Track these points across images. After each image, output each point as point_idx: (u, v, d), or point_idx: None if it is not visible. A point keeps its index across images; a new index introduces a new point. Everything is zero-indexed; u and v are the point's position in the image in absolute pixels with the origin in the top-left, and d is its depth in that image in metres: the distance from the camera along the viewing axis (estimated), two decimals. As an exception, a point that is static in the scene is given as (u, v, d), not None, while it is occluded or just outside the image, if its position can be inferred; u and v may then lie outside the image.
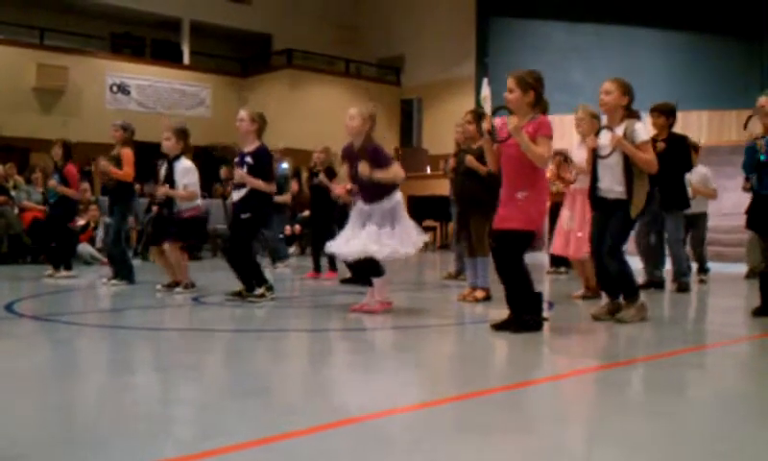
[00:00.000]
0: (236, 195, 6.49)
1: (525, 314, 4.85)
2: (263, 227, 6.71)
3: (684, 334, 5.43)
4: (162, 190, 7.25)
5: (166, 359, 4.32)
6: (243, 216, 6.42)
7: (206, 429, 2.77)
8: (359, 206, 5.81)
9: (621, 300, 5.44)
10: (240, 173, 6.37)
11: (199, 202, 7.38)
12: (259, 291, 6.38)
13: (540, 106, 4.90)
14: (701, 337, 5.44)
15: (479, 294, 6.52)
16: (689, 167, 7.85)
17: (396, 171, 5.66)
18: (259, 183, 6.35)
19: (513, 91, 4.85)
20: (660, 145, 7.26)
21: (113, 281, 7.87)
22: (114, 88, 19.38)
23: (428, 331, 5.25)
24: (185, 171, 7.15)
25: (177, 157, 7.18)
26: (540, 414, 3.06)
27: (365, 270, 5.86)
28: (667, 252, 7.90)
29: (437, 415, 2.98)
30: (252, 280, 6.45)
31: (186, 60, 21.38)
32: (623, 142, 5.17)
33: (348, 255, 5.84)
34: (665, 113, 7.50)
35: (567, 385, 3.64)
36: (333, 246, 5.90)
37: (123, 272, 7.92)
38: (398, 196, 5.77)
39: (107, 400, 3.24)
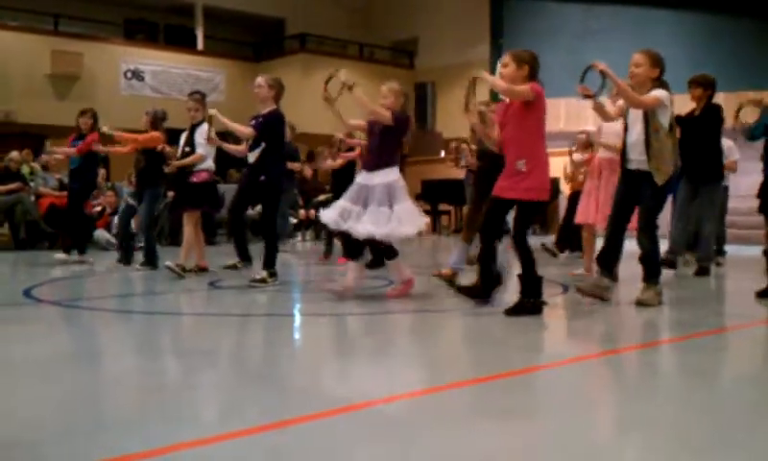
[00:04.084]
0: (251, 157, 6.52)
1: (525, 297, 4.87)
2: (282, 190, 6.81)
3: (702, 317, 5.39)
4: (172, 166, 7.45)
5: (183, 344, 4.35)
6: (261, 179, 6.44)
7: (224, 413, 2.79)
8: (358, 182, 5.73)
9: (630, 280, 5.42)
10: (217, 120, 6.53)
11: (209, 165, 7.40)
12: (262, 275, 6.37)
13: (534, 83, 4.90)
14: (718, 320, 5.41)
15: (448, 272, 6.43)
16: (719, 135, 7.69)
17: (377, 111, 5.61)
18: (239, 128, 6.48)
19: (507, 65, 4.90)
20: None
21: (137, 266, 7.92)
22: (129, 74, 19.41)
23: (440, 316, 5.26)
24: (202, 133, 7.21)
25: (199, 123, 7.30)
26: (556, 398, 3.05)
27: (379, 252, 5.85)
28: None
29: (452, 399, 2.98)
30: (267, 261, 6.42)
31: (200, 45, 21.37)
32: (609, 73, 5.07)
33: (341, 229, 5.74)
34: (703, 85, 7.36)
35: (584, 369, 3.63)
36: (326, 216, 5.77)
37: (149, 257, 7.94)
38: (398, 175, 5.73)
39: (125, 384, 3.26)
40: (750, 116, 6.61)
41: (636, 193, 5.33)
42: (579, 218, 7.24)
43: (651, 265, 5.37)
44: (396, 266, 5.84)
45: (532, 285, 4.89)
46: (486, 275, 5.12)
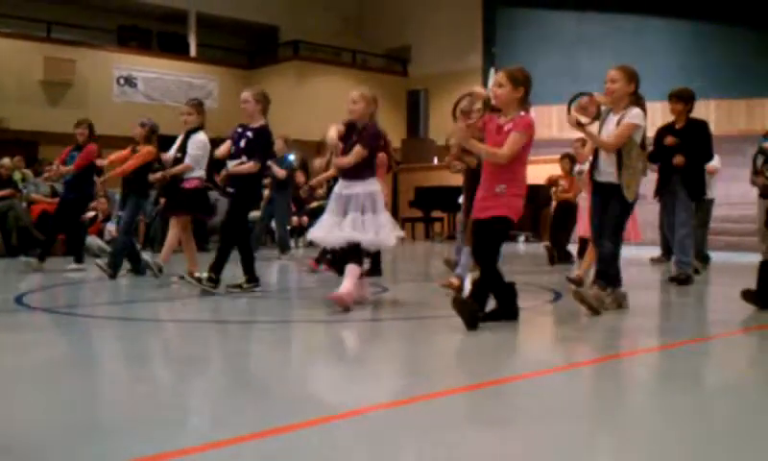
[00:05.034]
0: (231, 166, 6.51)
1: (502, 305, 4.81)
2: (250, 204, 6.85)
3: (693, 323, 5.42)
4: (160, 175, 7.47)
5: (175, 351, 4.34)
6: (228, 190, 6.51)
7: (217, 420, 2.79)
8: (337, 191, 5.70)
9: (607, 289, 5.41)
10: (232, 167, 6.50)
11: (200, 173, 7.35)
12: (204, 276, 6.37)
13: (526, 106, 4.87)
14: (710, 327, 5.42)
15: (455, 281, 6.36)
16: (710, 156, 7.71)
17: (355, 154, 5.53)
18: (242, 169, 6.38)
19: (503, 86, 4.80)
20: (670, 140, 7.23)
21: (126, 271, 7.92)
22: (121, 81, 19.39)
23: (431, 323, 5.25)
24: (195, 142, 7.21)
25: (194, 130, 7.26)
26: (546, 406, 3.05)
27: (345, 256, 5.66)
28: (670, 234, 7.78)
29: (442, 406, 2.98)
30: (220, 261, 6.42)
31: (193, 52, 21.38)
32: (579, 124, 5.25)
33: (331, 244, 5.73)
34: (683, 99, 7.41)
35: (577, 375, 3.63)
36: (313, 233, 5.78)
37: (131, 262, 7.97)
38: (378, 185, 5.70)
39: (117, 392, 3.26)
40: None
41: (606, 205, 5.39)
42: (579, 231, 7.36)
43: (607, 269, 5.37)
44: (355, 274, 5.57)
45: (506, 292, 4.81)
46: (503, 296, 4.87)
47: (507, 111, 4.84)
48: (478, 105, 4.95)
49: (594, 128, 5.45)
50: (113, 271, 7.79)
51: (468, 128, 4.90)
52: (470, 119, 4.92)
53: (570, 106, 5.33)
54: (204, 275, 6.39)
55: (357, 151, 5.53)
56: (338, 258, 5.81)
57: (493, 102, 4.87)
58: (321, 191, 9.22)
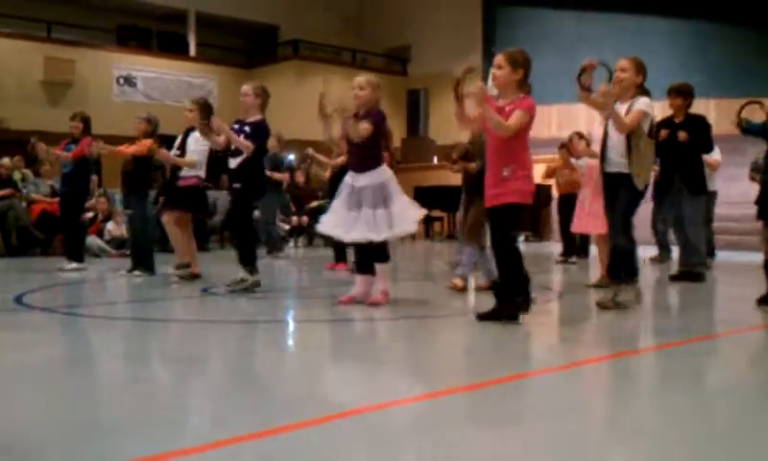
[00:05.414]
0: (232, 163, 6.44)
1: (513, 297, 4.76)
2: (256, 198, 6.82)
3: (695, 323, 5.41)
4: (165, 155, 7.46)
5: (175, 351, 4.33)
6: (235, 186, 6.43)
7: (217, 420, 2.79)
8: (348, 183, 5.65)
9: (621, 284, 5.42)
10: (217, 122, 6.38)
11: (199, 173, 7.39)
12: (241, 276, 6.30)
13: (526, 88, 4.82)
14: (712, 326, 5.42)
15: (459, 282, 6.44)
16: (709, 148, 7.75)
17: (363, 127, 5.46)
18: (239, 142, 6.26)
19: (501, 67, 4.77)
20: (683, 135, 7.25)
21: (136, 272, 7.90)
22: (121, 81, 19.40)
23: (432, 322, 5.25)
24: (196, 139, 7.22)
25: (194, 128, 7.23)
26: (549, 405, 3.04)
27: (369, 256, 5.67)
28: (673, 236, 7.81)
29: (445, 406, 2.98)
30: (242, 259, 6.36)
31: (193, 51, 21.39)
32: (603, 98, 5.22)
33: (343, 240, 5.74)
34: (683, 94, 7.45)
35: (579, 375, 3.63)
36: (324, 224, 5.74)
37: (145, 262, 7.98)
38: (389, 172, 5.69)
39: (117, 392, 3.25)
40: (755, 117, 6.83)
41: (617, 196, 5.41)
42: (575, 227, 7.34)
43: (627, 263, 5.40)
44: (384, 273, 5.68)
45: (520, 284, 4.78)
46: (514, 284, 4.81)
47: (506, 94, 4.80)
48: (471, 88, 4.90)
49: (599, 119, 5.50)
50: (150, 269, 7.90)
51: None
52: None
53: (580, 77, 5.27)
54: (249, 280, 6.28)
55: (365, 126, 5.43)
56: (361, 259, 5.76)
57: (492, 84, 4.85)
58: (324, 174, 9.07)
